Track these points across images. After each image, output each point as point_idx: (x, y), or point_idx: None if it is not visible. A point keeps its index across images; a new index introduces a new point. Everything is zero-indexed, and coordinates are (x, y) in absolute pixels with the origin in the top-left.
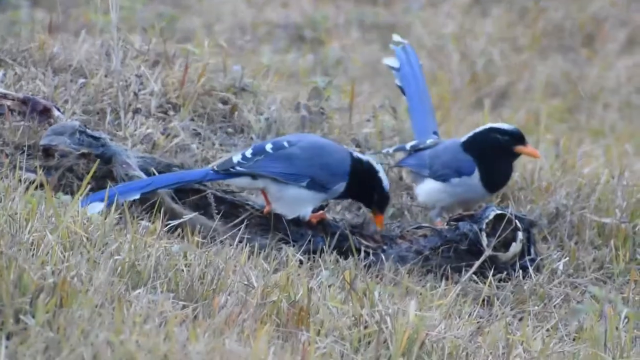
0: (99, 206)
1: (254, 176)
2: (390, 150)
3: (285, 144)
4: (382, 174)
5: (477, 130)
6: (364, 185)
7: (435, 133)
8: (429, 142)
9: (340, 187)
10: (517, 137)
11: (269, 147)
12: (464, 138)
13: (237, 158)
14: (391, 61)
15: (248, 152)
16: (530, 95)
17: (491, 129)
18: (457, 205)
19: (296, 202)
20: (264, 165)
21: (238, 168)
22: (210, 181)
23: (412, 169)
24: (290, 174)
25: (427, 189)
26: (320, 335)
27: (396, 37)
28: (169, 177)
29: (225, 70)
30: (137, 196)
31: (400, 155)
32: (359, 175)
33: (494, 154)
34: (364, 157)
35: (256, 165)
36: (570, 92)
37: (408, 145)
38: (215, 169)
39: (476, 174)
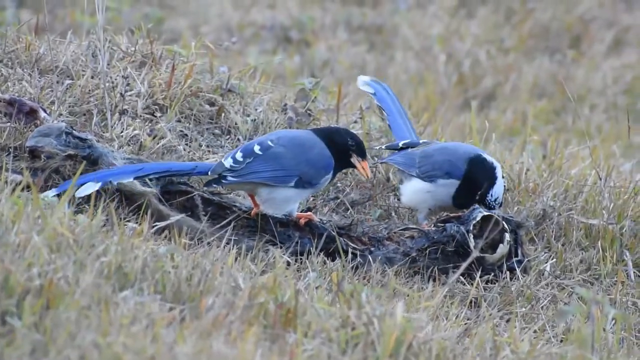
0: (92, 187)
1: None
2: (383, 146)
3: (270, 142)
4: (344, 130)
5: (495, 165)
6: (341, 154)
7: (418, 140)
8: (422, 141)
9: (327, 179)
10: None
11: (257, 148)
12: (473, 154)
13: (228, 162)
14: (366, 88)
15: (238, 155)
16: (516, 97)
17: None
18: (437, 209)
19: (285, 201)
20: (255, 170)
21: (230, 178)
22: (199, 175)
23: (399, 167)
24: (280, 177)
25: (413, 188)
26: (307, 337)
27: (363, 77)
28: (161, 165)
29: (212, 72)
30: (131, 179)
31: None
32: (338, 153)
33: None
34: (326, 128)
35: (248, 169)
36: (557, 94)
37: (400, 143)
38: (210, 173)
39: (457, 183)
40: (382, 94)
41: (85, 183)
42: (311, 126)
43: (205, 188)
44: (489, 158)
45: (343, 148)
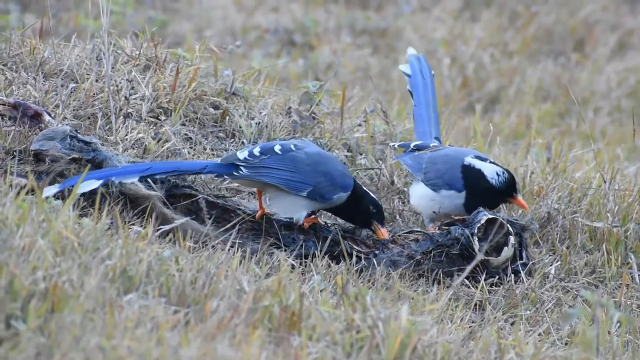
0: (94, 184)
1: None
2: (396, 144)
3: (292, 147)
4: (367, 190)
5: (478, 167)
6: (361, 201)
7: (437, 139)
8: (432, 144)
9: (341, 198)
10: (510, 190)
11: (277, 148)
12: (467, 161)
13: (243, 155)
14: (405, 67)
15: (256, 150)
16: (520, 100)
17: (485, 178)
18: (443, 215)
19: (293, 207)
20: (269, 166)
21: (243, 171)
22: (208, 174)
23: (408, 168)
24: (293, 182)
25: (419, 193)
26: (312, 340)
27: (411, 50)
28: (168, 165)
29: (216, 75)
30: (136, 179)
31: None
32: (357, 192)
33: (483, 193)
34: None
35: (262, 164)
36: (561, 97)
37: (412, 144)
38: (220, 162)
39: (463, 195)
40: (416, 79)
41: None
42: (315, 129)
43: (215, 177)
44: (472, 162)
45: (367, 207)
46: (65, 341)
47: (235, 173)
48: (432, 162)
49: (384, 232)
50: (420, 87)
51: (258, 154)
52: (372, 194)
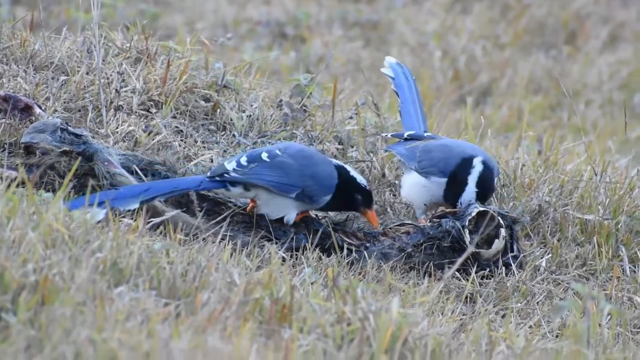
0: (102, 213)
1: (246, 186)
2: (388, 134)
3: (278, 152)
4: (355, 173)
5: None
6: (347, 192)
7: (425, 132)
8: (426, 134)
9: (325, 200)
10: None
11: (264, 156)
12: (466, 155)
13: (231, 165)
14: (387, 71)
15: (243, 160)
16: (512, 92)
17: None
18: (433, 205)
19: (282, 207)
20: (259, 174)
21: (233, 175)
22: (205, 190)
23: (401, 158)
24: (283, 185)
25: (411, 182)
26: (303, 333)
27: (390, 59)
28: (167, 184)
29: (207, 68)
30: (137, 205)
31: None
32: (343, 185)
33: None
34: (339, 162)
35: (251, 173)
36: (553, 89)
37: (406, 134)
38: (209, 175)
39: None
40: (400, 80)
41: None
42: (306, 122)
43: (208, 177)
44: (475, 163)
45: (353, 195)
46: (55, 334)
47: (226, 175)
48: (427, 150)
49: (372, 218)
50: (405, 86)
51: (246, 163)
52: (359, 178)
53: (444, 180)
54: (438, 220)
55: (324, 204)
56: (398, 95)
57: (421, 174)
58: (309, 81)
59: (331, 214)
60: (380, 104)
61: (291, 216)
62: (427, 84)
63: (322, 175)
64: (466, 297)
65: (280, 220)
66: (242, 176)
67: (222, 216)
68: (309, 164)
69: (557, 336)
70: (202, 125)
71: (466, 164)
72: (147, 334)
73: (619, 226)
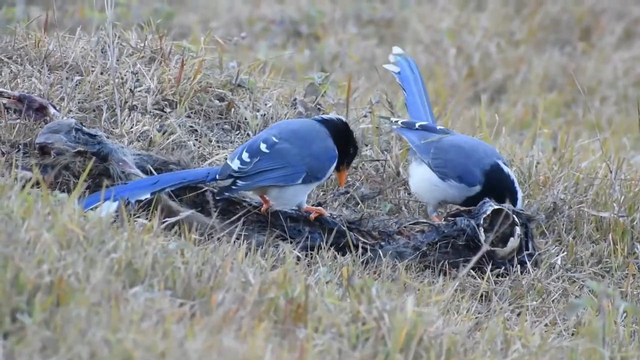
0: (113, 206)
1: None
2: (399, 121)
3: (274, 138)
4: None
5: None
6: (345, 147)
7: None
8: (439, 128)
9: (330, 172)
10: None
11: (263, 147)
12: (492, 163)
13: (235, 164)
14: (392, 67)
15: (245, 156)
16: (527, 89)
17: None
18: (442, 202)
19: (293, 197)
20: (264, 170)
21: (240, 184)
22: (212, 182)
23: (412, 146)
24: (289, 175)
25: (422, 176)
26: (318, 332)
27: (397, 49)
28: (175, 176)
29: (222, 67)
30: (148, 195)
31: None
32: (341, 145)
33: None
34: (335, 117)
35: (256, 169)
36: (567, 86)
37: (417, 123)
38: (218, 178)
39: (476, 188)
40: (406, 74)
41: (99, 201)
42: None
43: (217, 197)
44: (505, 169)
45: (348, 148)
46: (70, 335)
47: (233, 187)
48: (442, 149)
49: (343, 176)
50: (411, 80)
51: (249, 159)
52: (356, 135)
53: (464, 186)
54: (453, 218)
55: (329, 176)
56: (403, 89)
57: (435, 172)
58: (323, 80)
59: (345, 212)
60: (395, 102)
61: (303, 201)
62: (442, 82)
63: (321, 152)
64: (481, 296)
65: (295, 219)
66: (249, 182)
67: (236, 216)
68: (306, 144)
69: (572, 334)
70: (217, 124)
71: (496, 173)
72: (162, 335)
73: (635, 223)
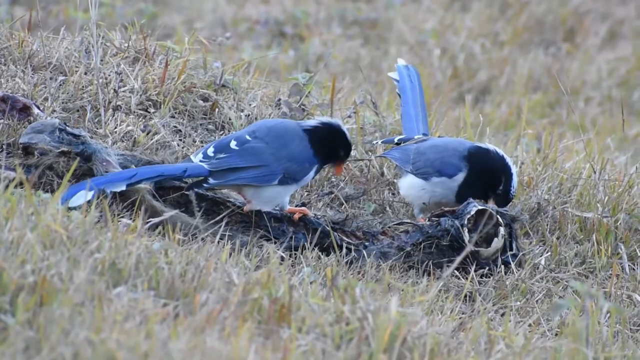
0: (88, 195)
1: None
2: (379, 141)
3: (247, 137)
4: (344, 128)
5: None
6: (330, 149)
7: (424, 135)
8: (416, 137)
9: (310, 175)
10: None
11: (233, 144)
12: (469, 147)
13: (198, 158)
14: (394, 74)
15: (210, 150)
16: (511, 90)
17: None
18: (433, 205)
19: (272, 199)
20: (233, 166)
21: (211, 181)
22: (189, 177)
23: (396, 162)
24: (262, 176)
25: (408, 184)
26: (301, 332)
27: (401, 61)
28: (153, 169)
29: (206, 67)
30: (124, 187)
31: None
32: (324, 148)
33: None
34: (321, 121)
35: (222, 165)
36: (552, 87)
37: (396, 138)
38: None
39: (459, 177)
40: (403, 82)
41: (78, 192)
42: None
43: (185, 192)
44: (491, 147)
45: (337, 149)
46: (54, 335)
47: (204, 184)
48: (420, 152)
49: (339, 167)
50: (408, 89)
51: (212, 154)
52: (343, 128)
53: (445, 179)
54: (437, 219)
55: (310, 179)
56: (400, 98)
57: (417, 176)
58: (307, 80)
59: (330, 212)
60: (379, 102)
61: (284, 202)
62: (427, 82)
63: (298, 153)
64: (465, 296)
65: (279, 219)
66: (220, 180)
67: (220, 216)
68: (282, 144)
69: (556, 334)
70: (201, 124)
71: (482, 152)
72: (146, 335)
73: (618, 224)
